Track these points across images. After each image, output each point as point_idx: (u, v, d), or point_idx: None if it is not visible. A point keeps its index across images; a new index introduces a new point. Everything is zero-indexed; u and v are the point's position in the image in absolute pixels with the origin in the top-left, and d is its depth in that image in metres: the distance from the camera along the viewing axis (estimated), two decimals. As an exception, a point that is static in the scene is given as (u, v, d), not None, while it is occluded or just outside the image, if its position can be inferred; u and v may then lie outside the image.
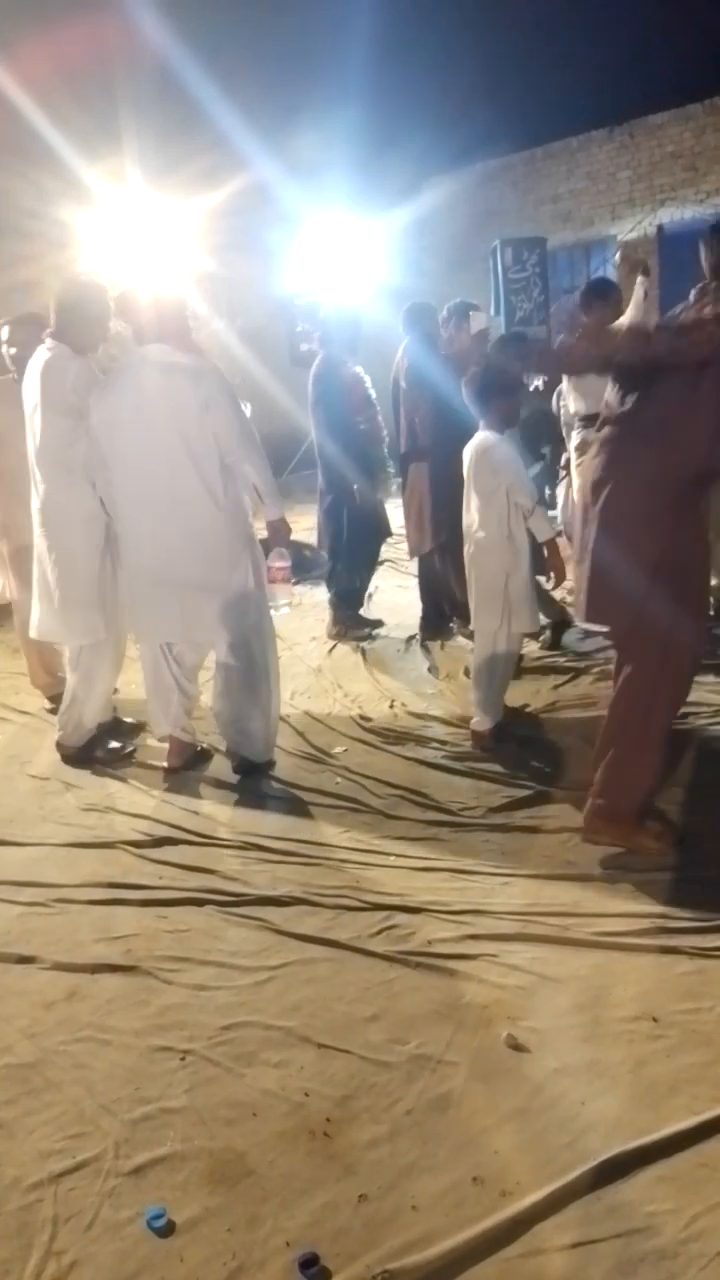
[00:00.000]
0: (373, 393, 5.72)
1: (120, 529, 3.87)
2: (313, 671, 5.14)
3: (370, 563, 5.98)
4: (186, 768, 3.99)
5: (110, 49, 9.38)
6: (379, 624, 5.83)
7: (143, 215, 10.30)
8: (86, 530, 3.96)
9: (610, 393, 3.06)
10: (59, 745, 4.18)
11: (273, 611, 4.03)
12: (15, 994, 2.62)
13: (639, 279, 5.16)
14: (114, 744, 4.24)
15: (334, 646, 5.60)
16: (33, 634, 4.24)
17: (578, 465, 5.39)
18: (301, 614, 6.13)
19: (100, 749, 4.19)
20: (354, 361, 5.72)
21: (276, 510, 3.89)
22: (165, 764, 3.99)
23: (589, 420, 5.29)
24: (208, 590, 3.73)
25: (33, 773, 4.11)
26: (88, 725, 4.16)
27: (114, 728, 4.34)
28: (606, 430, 3.04)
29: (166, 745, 4.03)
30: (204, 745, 4.13)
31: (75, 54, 9.01)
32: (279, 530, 3.93)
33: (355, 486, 5.50)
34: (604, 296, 5.32)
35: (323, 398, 5.54)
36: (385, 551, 7.65)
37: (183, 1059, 2.32)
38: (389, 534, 6.06)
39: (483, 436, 3.89)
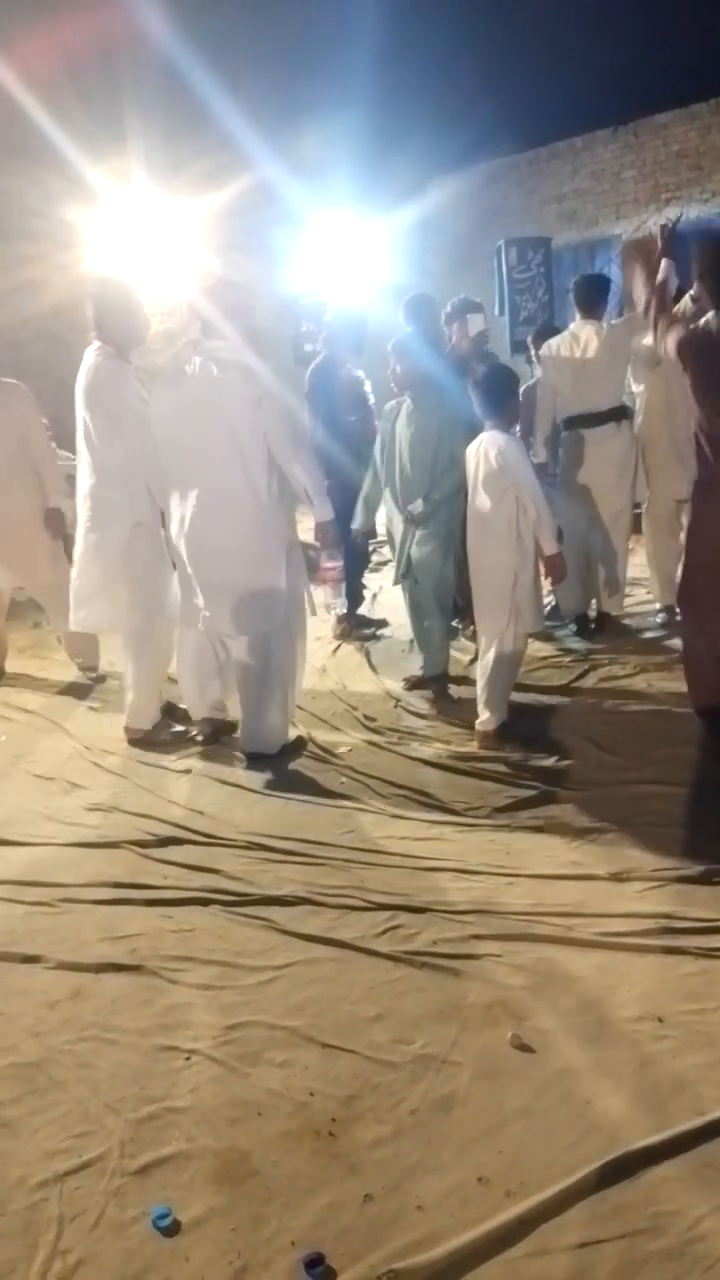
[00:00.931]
0: (371, 397, 5.73)
1: (170, 519, 3.98)
2: (317, 671, 5.13)
3: (359, 561, 5.98)
4: (213, 739, 4.21)
5: (115, 49, 9.39)
6: (383, 624, 5.83)
7: (148, 215, 10.31)
8: (113, 526, 4.13)
9: None
10: (126, 729, 4.34)
11: (326, 611, 4.18)
12: (20, 993, 2.62)
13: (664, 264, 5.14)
14: (177, 728, 4.38)
15: (338, 647, 5.60)
16: (71, 626, 4.45)
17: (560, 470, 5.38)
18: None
19: (165, 733, 4.34)
20: (357, 363, 5.72)
21: (325, 512, 3.95)
22: (198, 735, 4.24)
23: (575, 422, 5.20)
24: (239, 585, 3.83)
25: (37, 772, 4.12)
26: (150, 710, 4.32)
27: (169, 711, 4.51)
28: None
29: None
30: (231, 719, 4.27)
31: (80, 54, 9.02)
32: (327, 532, 4.01)
33: (326, 483, 5.49)
34: (605, 292, 5.34)
35: (314, 391, 5.55)
36: (388, 552, 7.68)
37: (187, 1058, 2.32)
38: (373, 535, 6.09)
39: (491, 436, 3.89)
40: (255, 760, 4.02)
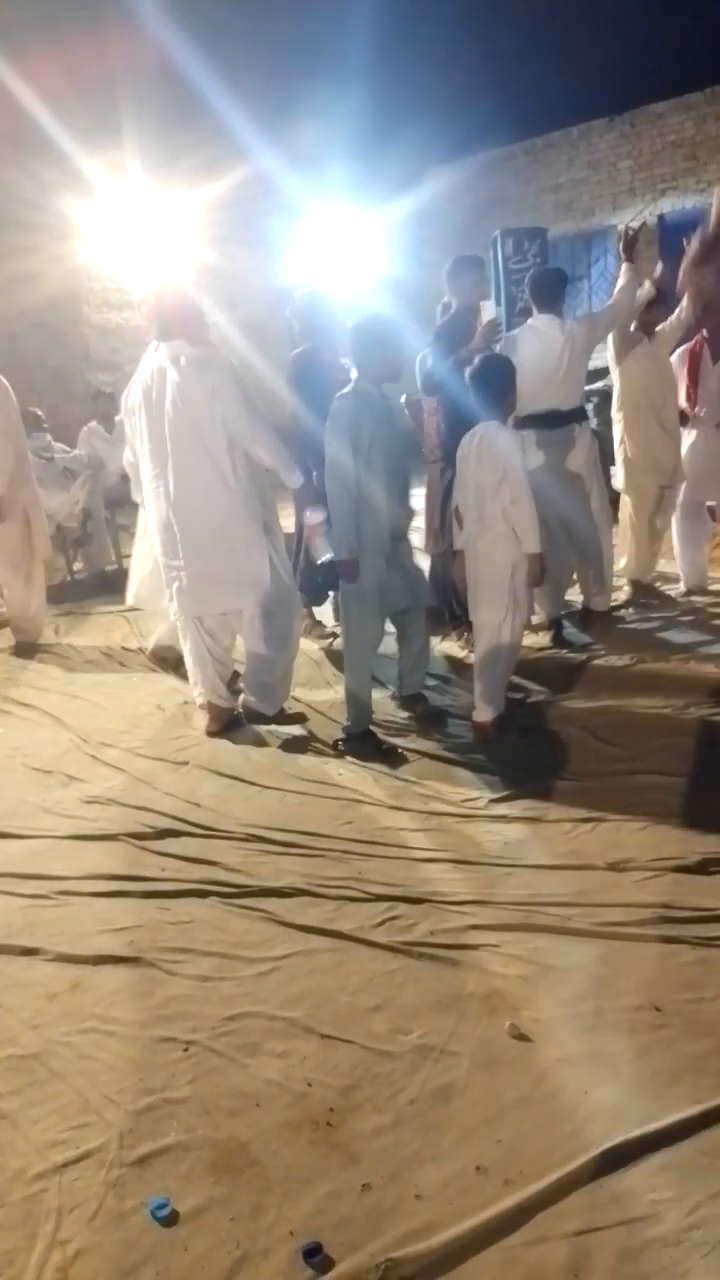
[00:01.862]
0: None
1: (147, 513, 4.15)
2: (313, 664, 5.13)
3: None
4: (224, 732, 4.25)
5: (110, 41, 9.35)
6: None
7: (143, 207, 10.28)
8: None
9: None
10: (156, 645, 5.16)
11: (321, 561, 4.36)
12: (19, 985, 2.62)
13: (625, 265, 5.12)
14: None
15: (334, 639, 5.59)
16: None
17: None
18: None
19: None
20: (337, 349, 5.62)
21: (295, 480, 4.15)
22: (206, 730, 4.29)
23: (538, 420, 4.96)
24: (225, 569, 3.99)
25: (35, 765, 4.12)
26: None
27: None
28: None
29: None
30: (240, 711, 4.35)
31: (75, 46, 8.98)
32: (299, 496, 4.21)
33: (315, 472, 5.47)
34: (564, 285, 5.14)
35: (296, 380, 5.49)
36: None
37: (186, 1050, 2.32)
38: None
39: (488, 427, 3.87)
40: (252, 716, 4.22)
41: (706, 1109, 2.00)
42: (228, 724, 4.29)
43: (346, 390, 3.87)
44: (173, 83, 9.27)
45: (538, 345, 4.90)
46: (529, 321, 5.08)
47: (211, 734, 4.26)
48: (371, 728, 4.03)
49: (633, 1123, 1.98)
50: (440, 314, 5.25)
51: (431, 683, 4.67)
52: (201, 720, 4.32)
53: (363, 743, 3.96)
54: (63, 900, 3.03)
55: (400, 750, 3.92)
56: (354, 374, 5.58)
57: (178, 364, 3.90)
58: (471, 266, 5.10)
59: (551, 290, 5.02)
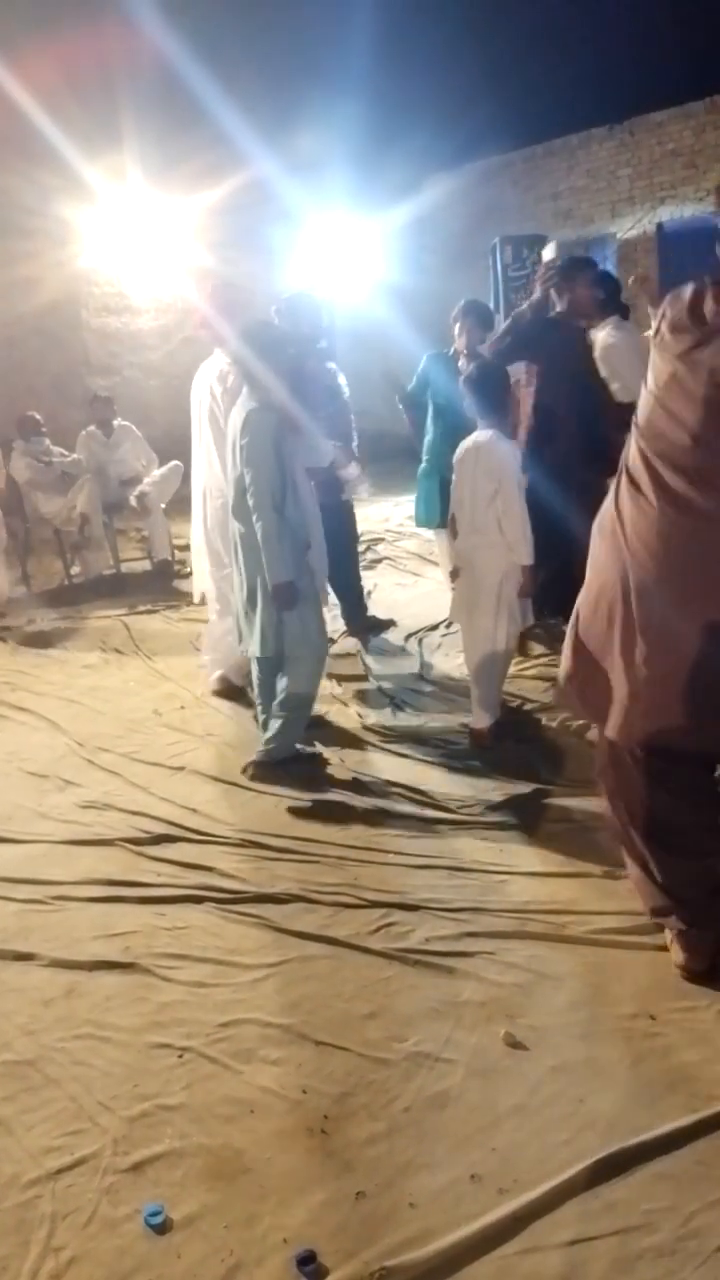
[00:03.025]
0: (346, 390, 5.34)
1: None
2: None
3: (353, 561, 5.85)
4: (227, 695, 4.66)
5: (111, 46, 9.37)
6: (391, 624, 5.74)
7: (143, 213, 10.30)
8: None
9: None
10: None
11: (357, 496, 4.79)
12: (14, 991, 2.62)
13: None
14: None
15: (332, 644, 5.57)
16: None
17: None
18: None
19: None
20: (324, 352, 5.53)
21: (324, 458, 4.41)
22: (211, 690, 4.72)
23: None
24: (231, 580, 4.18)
25: (30, 769, 4.11)
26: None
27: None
28: None
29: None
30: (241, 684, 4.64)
31: (76, 52, 9.00)
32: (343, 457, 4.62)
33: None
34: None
35: None
36: (384, 549, 7.67)
37: (181, 1056, 2.32)
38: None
39: (486, 435, 3.87)
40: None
41: (701, 1118, 2.00)
42: (230, 691, 4.65)
43: (254, 405, 3.55)
44: (173, 89, 9.28)
45: (635, 347, 4.71)
46: (616, 324, 4.91)
47: (216, 693, 4.65)
48: (299, 746, 3.90)
49: (627, 1131, 1.98)
50: (454, 319, 5.27)
51: (429, 689, 4.69)
52: (205, 685, 4.75)
53: (294, 764, 3.84)
54: (58, 905, 3.03)
55: (395, 753, 3.92)
56: (342, 378, 5.47)
57: (208, 375, 4.15)
58: (586, 265, 4.91)
59: (616, 293, 5.00)
